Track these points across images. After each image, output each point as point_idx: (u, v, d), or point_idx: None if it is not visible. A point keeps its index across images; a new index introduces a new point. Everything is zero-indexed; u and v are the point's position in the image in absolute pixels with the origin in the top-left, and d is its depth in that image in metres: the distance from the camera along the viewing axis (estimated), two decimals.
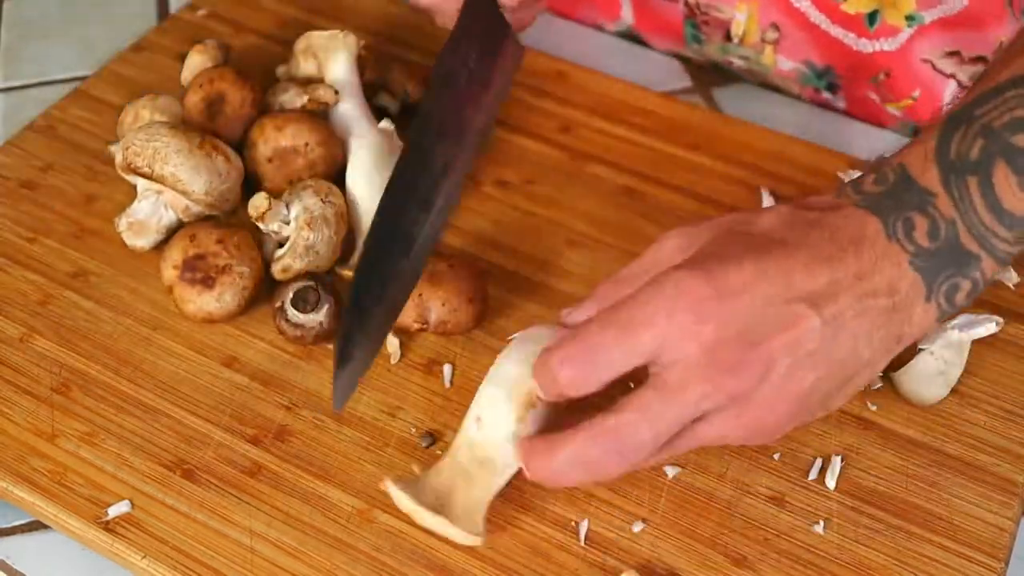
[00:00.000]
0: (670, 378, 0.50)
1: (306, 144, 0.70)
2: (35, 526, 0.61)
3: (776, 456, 0.61)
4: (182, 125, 0.69)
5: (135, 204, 0.68)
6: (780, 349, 0.50)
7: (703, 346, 0.50)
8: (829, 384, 0.52)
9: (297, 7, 0.88)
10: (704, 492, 0.60)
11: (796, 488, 0.60)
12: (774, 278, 0.51)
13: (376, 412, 0.63)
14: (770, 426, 0.52)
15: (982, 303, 0.68)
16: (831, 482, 0.60)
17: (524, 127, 0.78)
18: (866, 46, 0.78)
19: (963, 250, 0.52)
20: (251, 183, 0.71)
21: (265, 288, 0.67)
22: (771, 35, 0.80)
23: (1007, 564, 0.58)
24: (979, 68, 0.76)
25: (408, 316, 0.65)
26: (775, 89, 0.85)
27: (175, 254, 0.66)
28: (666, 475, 0.60)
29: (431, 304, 0.64)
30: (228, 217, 0.70)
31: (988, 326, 0.65)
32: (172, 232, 0.68)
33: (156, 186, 0.67)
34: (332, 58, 0.74)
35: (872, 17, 0.76)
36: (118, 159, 0.68)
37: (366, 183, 0.70)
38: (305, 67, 0.76)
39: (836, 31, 0.77)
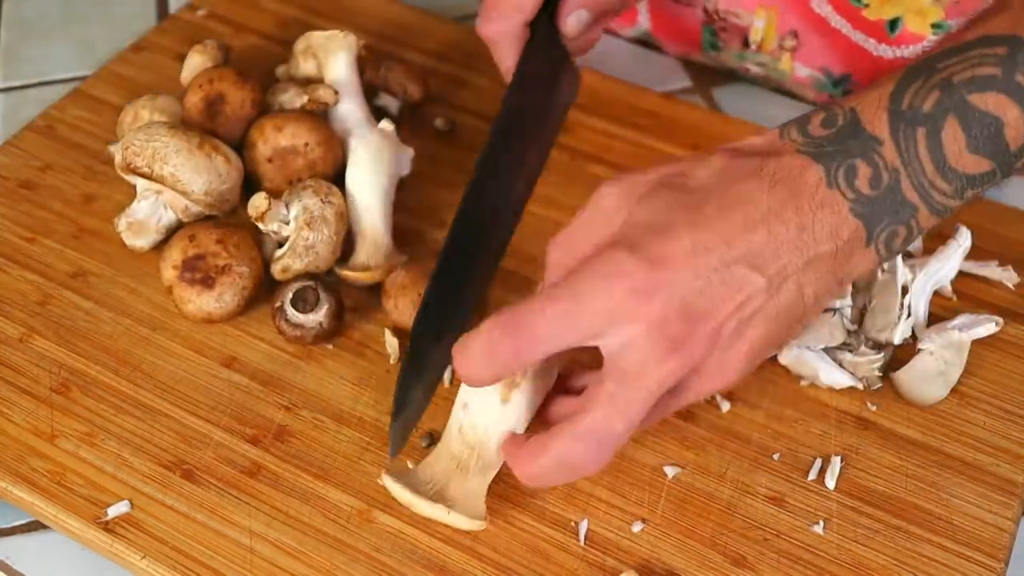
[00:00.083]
0: (628, 366, 0.51)
1: (306, 144, 0.70)
2: (35, 526, 0.61)
3: (776, 456, 0.61)
4: (182, 125, 0.69)
5: (134, 204, 0.68)
6: (727, 316, 0.51)
7: (650, 325, 0.50)
8: (777, 332, 0.53)
9: (297, 7, 0.88)
10: (704, 492, 0.60)
11: (796, 488, 0.60)
12: (712, 246, 0.51)
13: (376, 412, 0.63)
14: (726, 381, 0.53)
15: (982, 303, 0.68)
16: (831, 482, 0.60)
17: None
18: (886, 52, 0.77)
19: (903, 199, 0.52)
20: (251, 183, 0.70)
21: (265, 288, 0.67)
22: (789, 42, 0.80)
23: (1007, 564, 0.58)
24: None
25: (405, 315, 0.65)
26: (789, 95, 0.85)
27: (174, 254, 0.66)
28: (666, 475, 0.60)
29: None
30: (228, 217, 0.70)
31: (988, 326, 0.65)
32: (171, 232, 0.68)
33: (155, 186, 0.67)
34: (332, 58, 0.74)
35: (894, 24, 0.75)
36: (117, 159, 0.68)
37: (366, 183, 0.70)
38: (305, 67, 0.76)
39: (856, 36, 0.77)
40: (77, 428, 0.62)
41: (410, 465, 0.58)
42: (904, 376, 0.64)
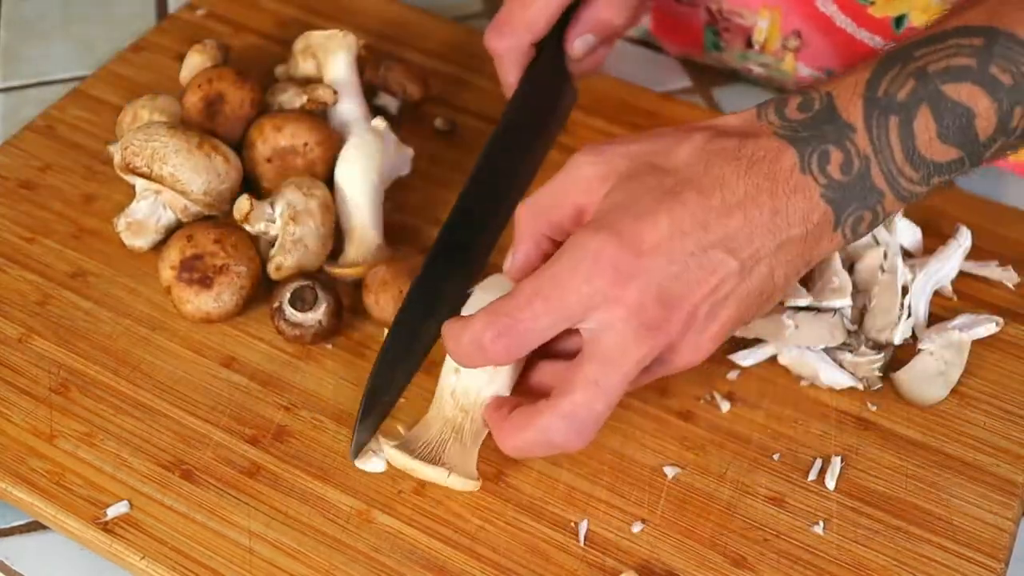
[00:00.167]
0: (607, 349, 0.53)
1: (305, 144, 0.70)
2: (34, 527, 0.61)
3: (776, 456, 0.61)
4: (181, 125, 0.69)
5: (134, 204, 0.68)
6: (701, 299, 0.53)
7: (629, 309, 0.52)
8: (747, 311, 0.55)
9: (296, 7, 0.88)
10: (703, 492, 0.60)
11: (796, 488, 0.60)
12: (689, 230, 0.52)
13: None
14: (699, 358, 0.55)
15: (982, 303, 0.68)
16: (831, 482, 0.60)
17: None
18: None
19: (871, 185, 0.53)
20: (250, 183, 0.70)
21: (263, 288, 0.67)
22: (792, 42, 0.79)
23: (1007, 564, 0.58)
24: None
25: (387, 312, 0.65)
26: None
27: (172, 254, 0.66)
28: (666, 475, 0.60)
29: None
30: (227, 217, 0.70)
31: (988, 326, 0.65)
32: (171, 232, 0.68)
33: (155, 186, 0.67)
34: (331, 58, 0.74)
35: (899, 21, 0.75)
36: (117, 159, 0.68)
37: (355, 179, 0.69)
38: (304, 67, 0.76)
39: (862, 34, 0.77)
40: (76, 428, 0.62)
41: (400, 429, 0.59)
42: (904, 376, 0.64)
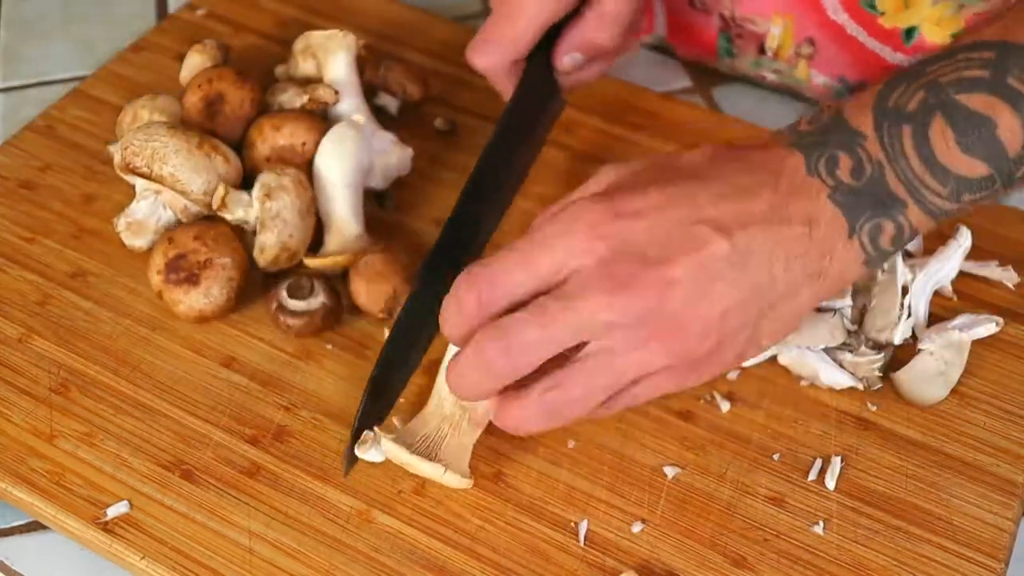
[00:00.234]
0: (568, 287, 0.51)
1: (303, 143, 0.70)
2: (34, 527, 0.61)
3: (776, 456, 0.61)
4: (181, 125, 0.69)
5: (134, 204, 0.68)
6: (682, 270, 0.51)
7: (599, 260, 0.51)
8: (747, 311, 0.52)
9: (296, 7, 0.88)
10: (703, 492, 0.60)
11: (796, 488, 0.60)
12: (680, 203, 0.52)
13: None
14: (692, 350, 0.52)
15: (982, 303, 0.68)
16: (831, 482, 0.60)
17: None
18: (902, 60, 0.77)
19: (888, 192, 0.52)
20: (250, 183, 0.70)
21: (258, 286, 0.68)
22: (806, 49, 0.79)
23: (1007, 564, 0.58)
24: None
25: (376, 304, 0.65)
26: (808, 101, 0.85)
27: (157, 259, 0.66)
28: (666, 475, 0.60)
29: (401, 296, 0.65)
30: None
31: (988, 326, 0.65)
32: None
33: (155, 186, 0.67)
34: (331, 58, 0.74)
35: (910, 33, 0.75)
36: (117, 159, 0.68)
37: (332, 170, 0.68)
38: (304, 67, 0.76)
39: (873, 44, 0.77)
40: (76, 428, 0.62)
41: (396, 422, 0.60)
42: (904, 376, 0.64)
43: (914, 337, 0.65)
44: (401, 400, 0.62)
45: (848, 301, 0.65)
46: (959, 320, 0.65)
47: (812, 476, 0.60)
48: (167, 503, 0.59)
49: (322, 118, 0.72)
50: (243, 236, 0.68)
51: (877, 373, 0.64)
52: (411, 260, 0.67)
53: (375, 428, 0.59)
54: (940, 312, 0.67)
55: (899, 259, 0.65)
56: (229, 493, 0.59)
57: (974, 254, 0.68)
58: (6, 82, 0.87)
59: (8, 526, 0.61)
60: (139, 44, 0.85)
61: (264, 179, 0.67)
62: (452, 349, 0.58)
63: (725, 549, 0.57)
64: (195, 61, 0.76)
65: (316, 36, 0.75)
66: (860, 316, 0.66)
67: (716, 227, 0.51)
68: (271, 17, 0.87)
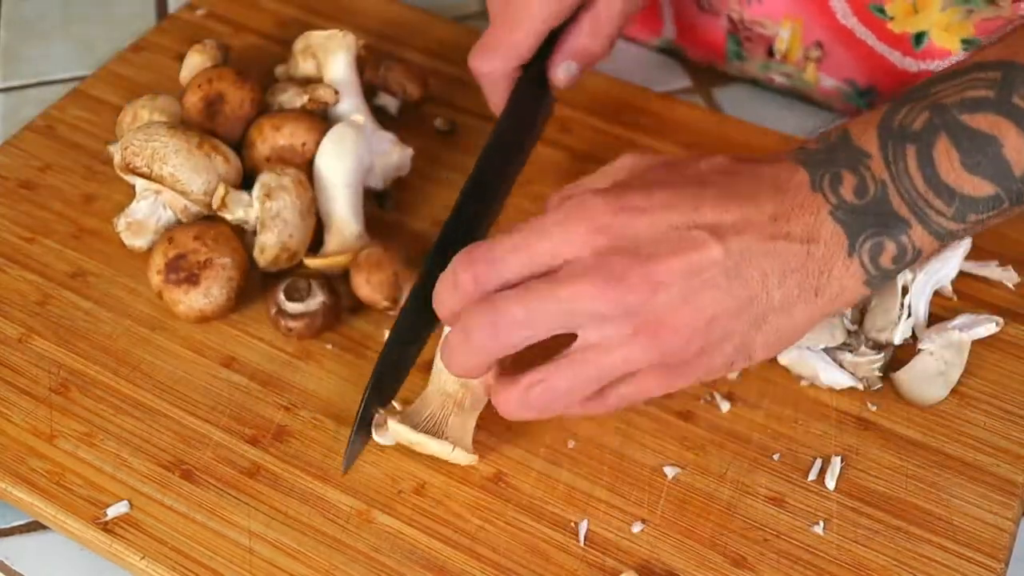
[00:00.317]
0: (560, 274, 0.52)
1: (303, 143, 0.70)
2: (34, 527, 0.61)
3: (776, 456, 0.61)
4: (181, 125, 0.69)
5: (134, 204, 0.68)
6: (673, 270, 0.51)
7: (595, 252, 0.51)
8: (737, 320, 0.52)
9: (296, 7, 0.88)
10: (703, 493, 0.60)
11: (796, 488, 0.60)
12: (680, 206, 0.52)
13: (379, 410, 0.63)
14: (677, 350, 0.52)
15: (982, 303, 0.68)
16: (831, 482, 0.60)
17: None
18: (911, 65, 0.76)
19: (891, 211, 0.52)
20: (250, 183, 0.70)
21: (258, 285, 0.68)
22: (814, 52, 0.79)
23: (1007, 564, 0.58)
24: None
25: (379, 294, 0.65)
26: (808, 101, 0.85)
27: (157, 259, 0.66)
28: (666, 476, 0.60)
29: (404, 285, 0.65)
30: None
31: (988, 326, 0.65)
32: None
33: (155, 186, 0.67)
34: (331, 58, 0.74)
35: (919, 38, 0.74)
36: (117, 159, 0.68)
37: (331, 170, 0.69)
38: (304, 67, 0.76)
39: (882, 48, 0.76)
40: (76, 428, 0.62)
41: (397, 405, 0.60)
42: (904, 376, 0.64)
43: (914, 337, 0.65)
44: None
45: None
46: (959, 320, 0.65)
47: (812, 476, 0.60)
48: (167, 503, 0.59)
49: (322, 118, 0.72)
50: (243, 236, 0.68)
51: (877, 373, 0.64)
52: (411, 255, 0.67)
53: (380, 411, 0.59)
54: (940, 312, 0.67)
55: None
56: (229, 493, 0.59)
57: (974, 254, 0.68)
58: (6, 82, 0.87)
59: (8, 526, 0.61)
60: (139, 44, 0.85)
61: (264, 179, 0.67)
62: (448, 330, 0.59)
63: (725, 549, 0.57)
64: (195, 61, 0.76)
65: (316, 36, 0.75)
66: (860, 316, 0.66)
67: (712, 232, 0.51)
68: (271, 17, 0.87)
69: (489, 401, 0.60)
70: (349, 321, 0.67)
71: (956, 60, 0.73)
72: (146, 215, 0.68)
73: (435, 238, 0.64)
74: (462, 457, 0.58)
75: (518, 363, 0.55)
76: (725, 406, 0.63)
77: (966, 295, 0.68)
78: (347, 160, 0.69)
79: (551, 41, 0.70)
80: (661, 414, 0.63)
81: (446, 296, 0.55)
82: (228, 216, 0.67)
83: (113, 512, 0.58)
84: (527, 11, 0.68)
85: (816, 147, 0.55)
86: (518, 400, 0.54)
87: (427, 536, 0.58)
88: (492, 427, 0.61)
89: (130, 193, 0.70)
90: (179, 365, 0.65)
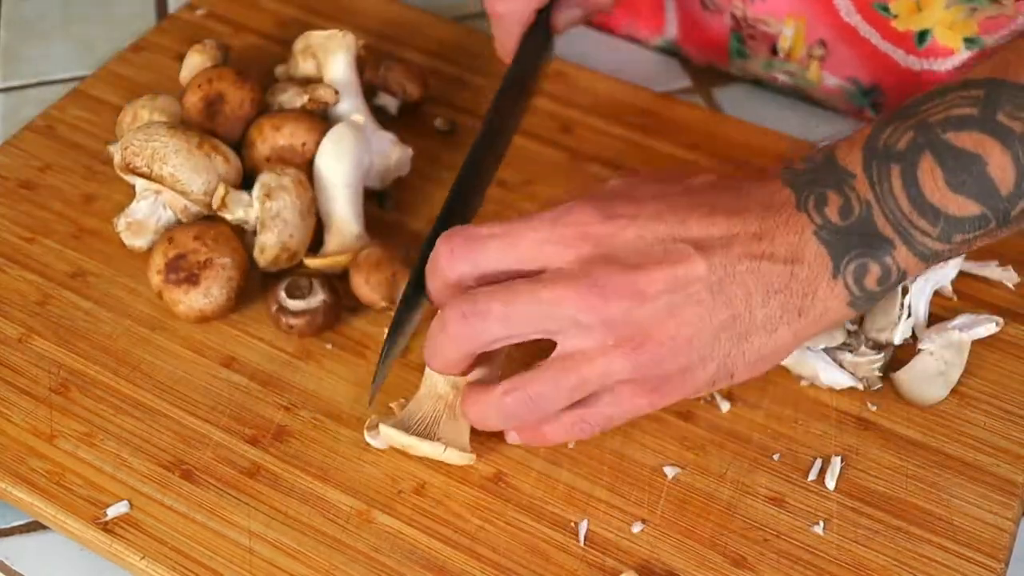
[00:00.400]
0: (544, 276, 0.52)
1: (303, 143, 0.70)
2: (34, 527, 0.61)
3: (776, 456, 0.61)
4: (181, 125, 0.69)
5: (134, 204, 0.68)
6: (657, 282, 0.51)
7: (579, 259, 0.52)
8: (719, 338, 0.52)
9: (296, 7, 0.88)
10: (703, 493, 0.60)
11: (796, 489, 0.60)
12: (667, 218, 0.52)
13: (373, 412, 0.63)
14: (656, 365, 0.52)
15: (982, 303, 0.68)
16: (831, 483, 0.60)
17: (524, 127, 0.78)
18: (914, 64, 0.76)
19: (876, 232, 0.52)
20: (250, 183, 0.70)
21: (257, 285, 0.68)
22: (818, 51, 0.79)
23: (1007, 564, 0.58)
24: None
25: (377, 294, 0.65)
26: (814, 103, 0.85)
27: (157, 259, 0.66)
28: (666, 476, 0.60)
29: (402, 285, 0.64)
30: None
31: (988, 326, 0.65)
32: None
33: (155, 186, 0.67)
34: (331, 58, 0.74)
35: (922, 36, 0.74)
36: (117, 159, 0.68)
37: (331, 170, 0.68)
38: (304, 67, 0.76)
39: (885, 47, 0.76)
40: (76, 428, 0.62)
41: (395, 407, 0.61)
42: (904, 376, 0.64)
43: (914, 337, 0.65)
44: (395, 380, 0.62)
45: None
46: (959, 320, 0.65)
47: (812, 476, 0.60)
48: (167, 503, 0.59)
49: (322, 118, 0.72)
50: (243, 236, 0.68)
51: (877, 373, 0.64)
52: (411, 255, 0.66)
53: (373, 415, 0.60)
54: (940, 312, 0.67)
55: None
56: (229, 493, 0.59)
57: (974, 254, 0.68)
58: (6, 82, 0.87)
59: (8, 526, 0.61)
60: (139, 44, 0.85)
61: (264, 179, 0.67)
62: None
63: (725, 549, 0.57)
64: (195, 61, 0.76)
65: (316, 36, 0.75)
66: (860, 316, 0.66)
67: (697, 246, 0.52)
68: (271, 17, 0.87)
69: None
70: (349, 321, 0.67)
71: (959, 59, 0.73)
72: (146, 215, 0.68)
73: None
74: (455, 457, 0.58)
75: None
76: (725, 406, 0.63)
77: (966, 295, 0.68)
78: (347, 160, 0.69)
79: None
80: (661, 414, 0.63)
81: (428, 273, 0.56)
82: (228, 216, 0.67)
83: (113, 512, 0.58)
84: None
85: (803, 167, 0.54)
86: (493, 406, 0.54)
87: (427, 536, 0.58)
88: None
89: (130, 193, 0.70)
90: (179, 365, 0.65)
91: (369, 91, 0.77)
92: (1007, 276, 0.69)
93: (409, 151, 0.73)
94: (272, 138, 0.70)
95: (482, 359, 0.56)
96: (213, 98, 0.71)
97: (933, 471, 0.61)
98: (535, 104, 0.80)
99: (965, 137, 0.51)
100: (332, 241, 0.69)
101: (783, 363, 0.64)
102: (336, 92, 0.72)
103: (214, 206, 0.66)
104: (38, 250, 0.71)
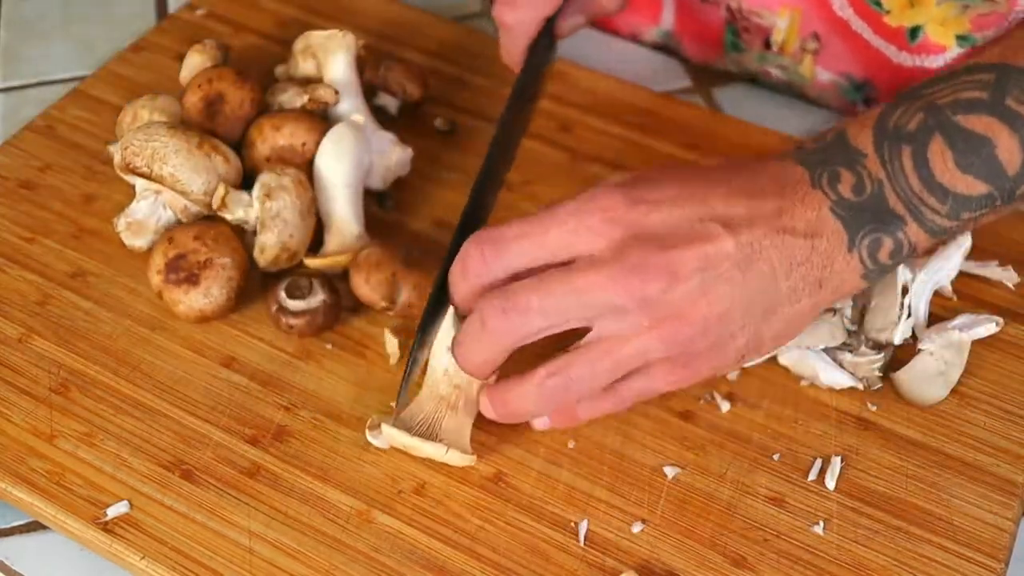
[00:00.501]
0: (577, 265, 0.52)
1: (303, 143, 0.70)
2: (34, 527, 0.61)
3: (776, 456, 0.61)
4: (181, 125, 0.69)
5: (134, 204, 0.68)
6: (690, 261, 0.52)
7: (611, 245, 0.52)
8: (749, 312, 0.53)
9: (296, 7, 0.88)
10: (704, 493, 0.60)
11: (796, 489, 0.60)
12: (691, 199, 0.53)
13: (375, 412, 0.63)
14: (690, 343, 0.53)
15: (982, 303, 0.68)
16: (831, 483, 0.60)
17: None
18: (906, 60, 0.77)
19: (888, 209, 0.53)
20: (250, 183, 0.70)
21: (257, 285, 0.68)
22: (811, 44, 0.80)
23: (1007, 564, 0.58)
24: None
25: (377, 293, 0.65)
26: (808, 100, 0.85)
27: (157, 259, 0.66)
28: (666, 476, 0.60)
29: (402, 285, 0.64)
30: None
31: (988, 326, 0.65)
32: None
33: (155, 186, 0.67)
34: (331, 58, 0.74)
35: (914, 32, 0.75)
36: (117, 159, 0.68)
37: (330, 170, 0.69)
38: (304, 67, 0.76)
39: (877, 42, 0.77)
40: (76, 428, 0.62)
41: (394, 406, 0.60)
42: (904, 376, 0.64)
43: (914, 337, 0.65)
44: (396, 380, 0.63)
45: (848, 301, 0.65)
46: (959, 320, 0.65)
47: (812, 476, 0.60)
48: (167, 503, 0.59)
49: (322, 118, 0.72)
50: (243, 236, 0.68)
51: (877, 373, 0.64)
52: (411, 255, 0.66)
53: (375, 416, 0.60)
54: (940, 312, 0.67)
55: None
56: (229, 493, 0.59)
57: (974, 254, 0.68)
58: (6, 82, 0.87)
59: (8, 526, 0.61)
60: (139, 44, 0.85)
61: (264, 179, 0.67)
62: (443, 330, 0.59)
63: (725, 549, 0.57)
64: (195, 61, 0.76)
65: (316, 36, 0.75)
66: (860, 316, 0.66)
67: (724, 224, 0.52)
68: (271, 17, 0.87)
69: None
70: (349, 321, 0.67)
71: (951, 56, 0.73)
72: (146, 215, 0.68)
73: (435, 237, 0.64)
74: (457, 458, 0.58)
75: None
76: (725, 406, 0.63)
77: (966, 295, 0.68)
78: (347, 160, 0.69)
79: None
80: (661, 414, 0.63)
81: (457, 278, 0.56)
82: (228, 216, 0.67)
83: (113, 512, 0.58)
84: None
85: (813, 147, 0.56)
86: (533, 392, 0.55)
87: (427, 536, 0.58)
88: (492, 427, 0.61)
89: (130, 193, 0.70)
90: (179, 365, 0.65)
91: (369, 91, 0.77)
92: (1007, 276, 0.69)
93: (409, 151, 0.73)
94: (272, 138, 0.70)
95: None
96: (213, 98, 0.71)
97: (933, 471, 0.61)
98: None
99: (975, 120, 0.52)
100: (332, 241, 0.69)
101: (783, 363, 0.64)
102: (336, 92, 0.72)
103: (214, 206, 0.66)
104: (38, 250, 0.71)
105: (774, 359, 0.65)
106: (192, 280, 0.65)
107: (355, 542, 0.57)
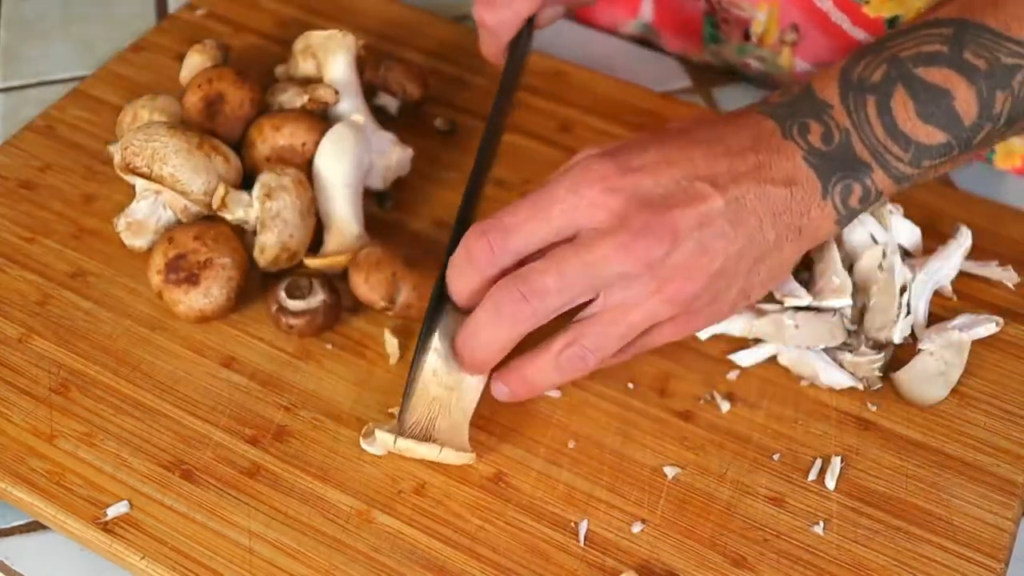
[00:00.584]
0: (584, 238, 0.54)
1: (303, 143, 0.70)
2: (34, 527, 0.61)
3: (776, 456, 0.61)
4: (181, 125, 0.69)
5: (134, 204, 0.68)
6: (687, 220, 0.54)
7: (613, 214, 0.54)
8: (740, 264, 0.56)
9: (296, 7, 0.88)
10: (703, 492, 0.60)
11: (796, 489, 0.60)
12: (677, 161, 0.55)
13: (375, 412, 0.63)
14: (693, 300, 0.55)
15: (982, 303, 0.68)
16: (831, 483, 0.60)
17: (523, 127, 0.78)
18: None
19: (855, 157, 0.56)
20: (250, 183, 0.70)
21: (257, 285, 0.68)
22: (790, 36, 0.80)
23: (1007, 565, 0.58)
24: None
25: (376, 293, 0.65)
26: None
27: (157, 259, 0.66)
28: (666, 476, 0.60)
29: (402, 285, 0.64)
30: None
31: (988, 326, 0.65)
32: None
33: (155, 186, 0.67)
34: (331, 58, 0.74)
35: (892, 22, 0.76)
36: (117, 159, 0.68)
37: (330, 170, 0.69)
38: (304, 67, 0.76)
39: (856, 33, 0.77)
40: (76, 428, 0.62)
41: (393, 412, 0.61)
42: (904, 376, 0.64)
43: (914, 337, 0.65)
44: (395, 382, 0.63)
45: (848, 301, 0.65)
46: (959, 320, 0.65)
47: (812, 476, 0.60)
48: (167, 503, 0.59)
49: (322, 118, 0.72)
50: (243, 236, 0.68)
51: (877, 373, 0.64)
52: (411, 255, 0.67)
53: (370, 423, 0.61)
54: (940, 312, 0.67)
55: (897, 258, 0.65)
56: (229, 493, 0.59)
57: (974, 254, 0.68)
58: (6, 82, 0.87)
59: (8, 526, 0.61)
60: (139, 44, 0.85)
61: (264, 179, 0.67)
62: (427, 333, 0.59)
63: (725, 549, 0.57)
64: (195, 61, 0.76)
65: (316, 36, 0.75)
66: (860, 316, 0.66)
67: (711, 183, 0.54)
68: (271, 17, 0.87)
69: (481, 402, 0.60)
70: (349, 321, 0.67)
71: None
72: (146, 215, 0.68)
73: (435, 237, 0.64)
74: (453, 457, 0.58)
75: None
76: (725, 406, 0.63)
77: (966, 295, 0.68)
78: (347, 160, 0.69)
79: None
80: (661, 414, 0.63)
81: (462, 272, 0.56)
82: (228, 216, 0.67)
83: (113, 512, 0.58)
84: None
85: (779, 100, 0.58)
86: (551, 364, 0.56)
87: (427, 536, 0.58)
88: (492, 427, 0.61)
89: (130, 193, 0.70)
90: (179, 365, 0.65)
91: (369, 91, 0.77)
92: (1007, 276, 0.69)
93: (409, 151, 0.73)
94: (272, 138, 0.70)
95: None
96: (213, 98, 0.71)
97: (933, 471, 0.61)
98: (534, 103, 0.80)
99: (935, 72, 0.55)
100: (332, 241, 0.69)
101: (783, 363, 0.64)
102: (336, 92, 0.72)
103: (214, 206, 0.66)
104: (38, 250, 0.71)
105: (774, 359, 0.65)
106: (192, 280, 0.65)
107: (355, 542, 0.57)
